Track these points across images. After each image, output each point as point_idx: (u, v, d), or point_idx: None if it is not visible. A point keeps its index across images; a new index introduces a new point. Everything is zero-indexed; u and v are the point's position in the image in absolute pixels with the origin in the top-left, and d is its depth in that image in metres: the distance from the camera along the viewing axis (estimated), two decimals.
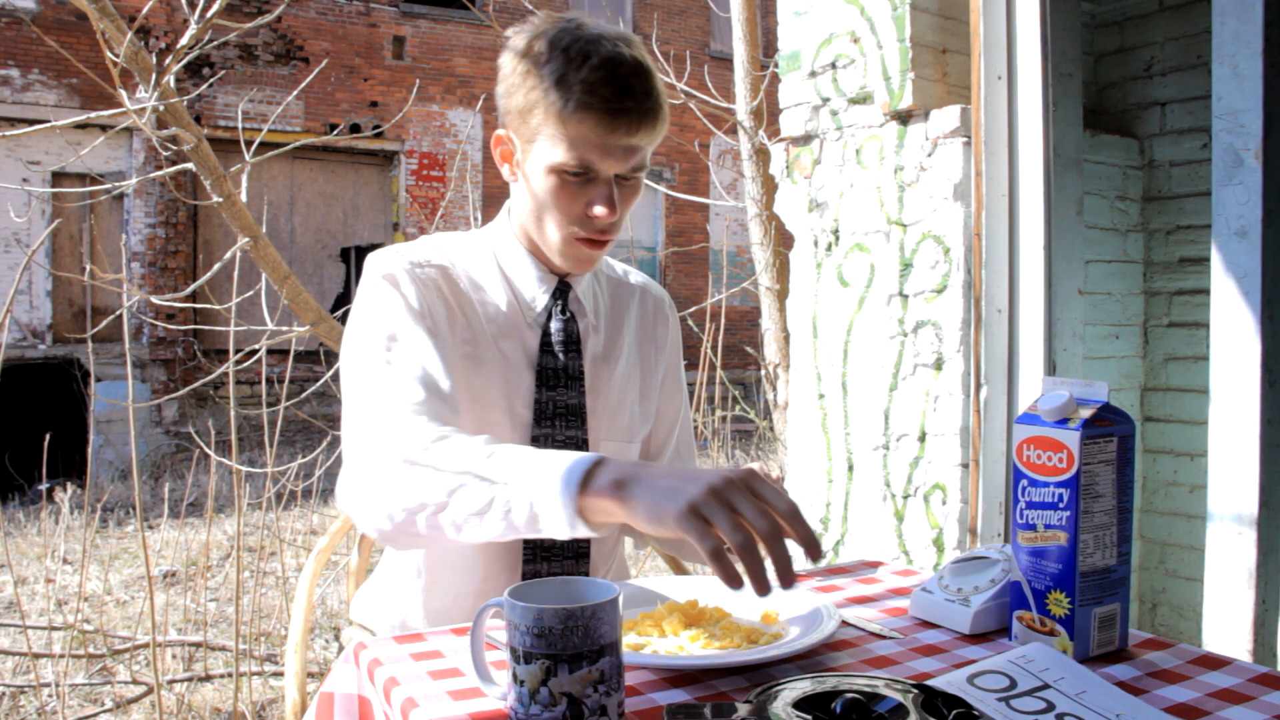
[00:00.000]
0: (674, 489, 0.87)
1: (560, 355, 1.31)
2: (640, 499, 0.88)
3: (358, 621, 1.45)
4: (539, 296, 1.32)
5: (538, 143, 1.20)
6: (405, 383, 1.14)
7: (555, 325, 1.32)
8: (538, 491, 0.94)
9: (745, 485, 0.87)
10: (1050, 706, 0.87)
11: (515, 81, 1.20)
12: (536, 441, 1.29)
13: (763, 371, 4.09)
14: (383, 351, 1.18)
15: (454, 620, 1.29)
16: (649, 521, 0.87)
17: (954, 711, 0.77)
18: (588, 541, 1.33)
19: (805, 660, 1.01)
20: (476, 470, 0.99)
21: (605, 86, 1.14)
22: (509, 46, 1.23)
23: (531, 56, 1.18)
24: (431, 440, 1.05)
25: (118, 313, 3.26)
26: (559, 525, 0.93)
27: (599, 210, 1.20)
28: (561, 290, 1.34)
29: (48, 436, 4.12)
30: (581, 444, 1.32)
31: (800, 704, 0.79)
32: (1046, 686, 0.90)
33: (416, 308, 1.23)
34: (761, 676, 0.96)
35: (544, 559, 1.33)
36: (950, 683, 0.89)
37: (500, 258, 1.34)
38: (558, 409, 1.31)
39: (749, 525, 0.84)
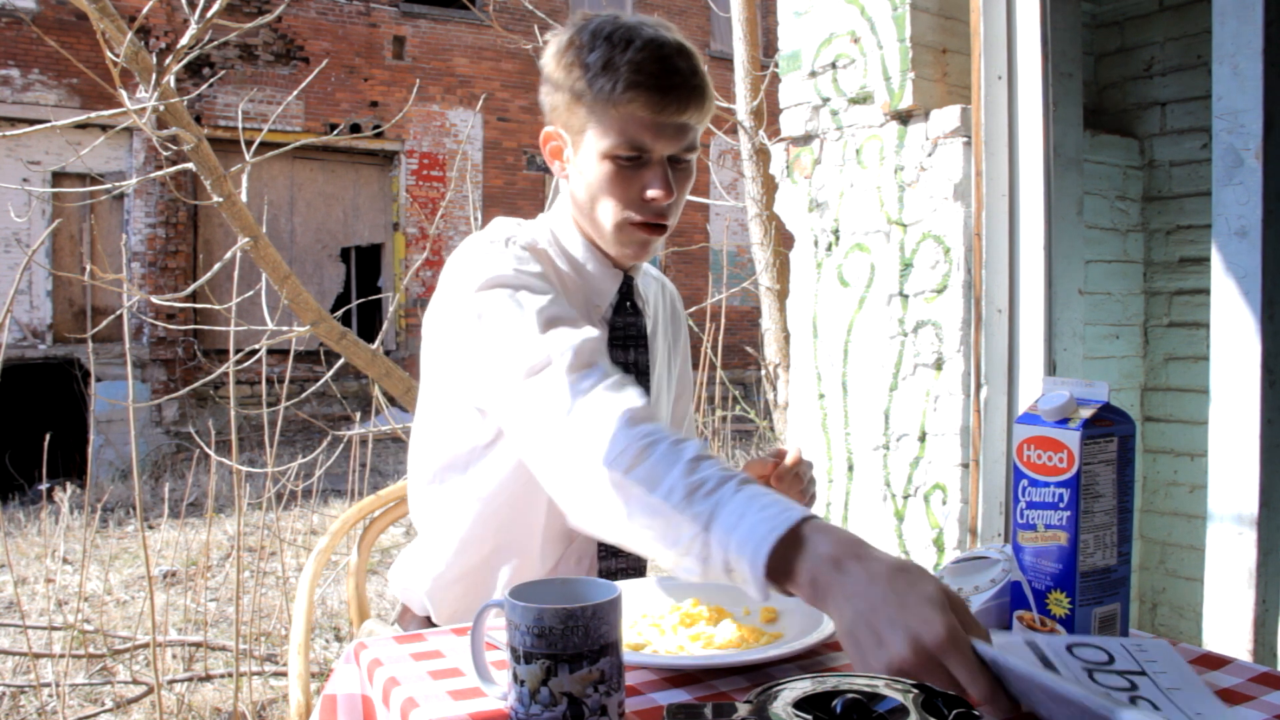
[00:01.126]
0: (874, 629, 0.79)
1: (630, 350, 1.30)
2: (839, 616, 0.82)
3: (396, 593, 1.39)
4: (608, 288, 1.30)
5: (588, 133, 1.19)
6: (571, 364, 1.05)
7: (621, 320, 1.31)
8: (735, 556, 0.88)
9: (949, 654, 0.77)
10: (1132, 687, 0.83)
11: (560, 76, 1.19)
12: None
13: (763, 371, 4.09)
14: (521, 324, 1.09)
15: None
16: (841, 640, 0.81)
17: (954, 711, 0.77)
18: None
19: (805, 660, 1.01)
20: (681, 506, 0.92)
21: (652, 64, 1.14)
22: (549, 48, 1.22)
23: (574, 49, 1.18)
24: (639, 447, 0.96)
25: (118, 313, 3.26)
26: (751, 588, 0.88)
27: (654, 192, 1.19)
28: (626, 283, 1.32)
29: (48, 436, 4.12)
30: None
31: (800, 704, 0.79)
32: (1142, 673, 0.87)
33: (539, 277, 1.16)
34: (761, 676, 0.96)
35: (614, 553, 1.32)
36: (1050, 644, 0.86)
37: (569, 248, 1.30)
38: None
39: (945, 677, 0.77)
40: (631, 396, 1.02)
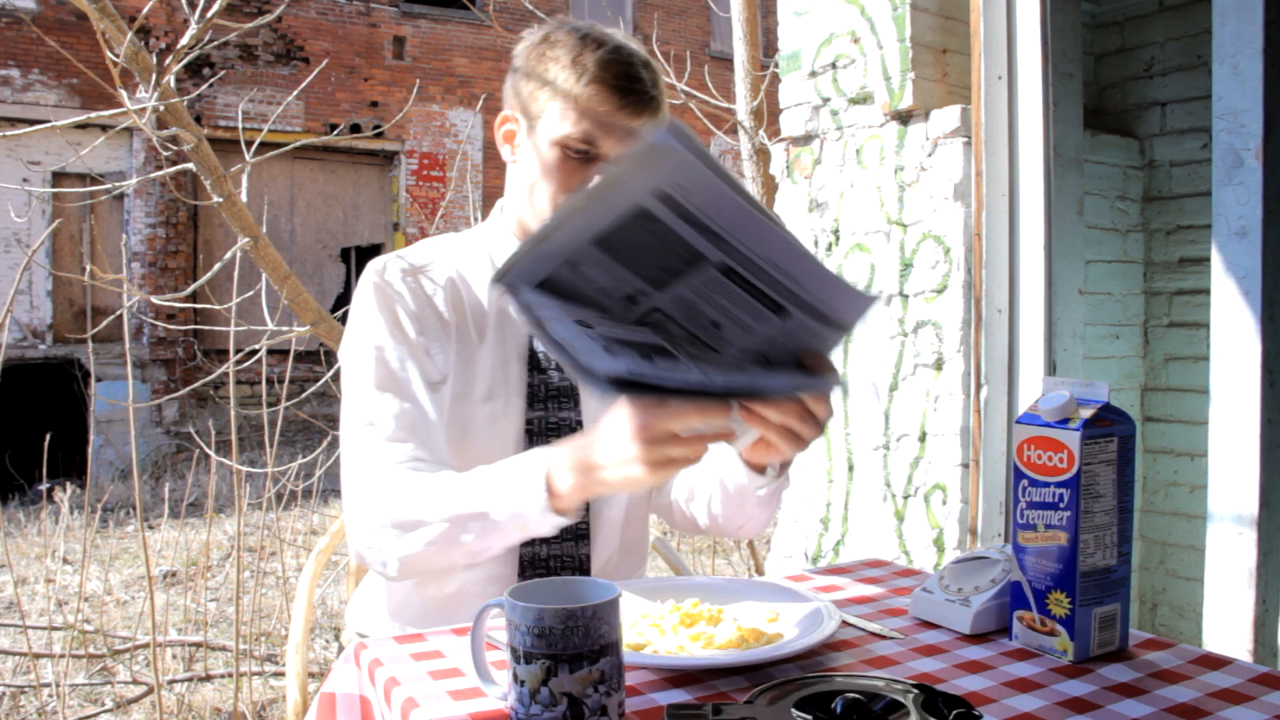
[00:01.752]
0: (621, 461, 0.99)
1: None
2: (607, 482, 1.02)
3: (358, 629, 1.45)
4: None
5: (545, 116, 1.26)
6: (390, 433, 1.23)
7: None
8: (521, 514, 1.09)
9: (651, 413, 0.96)
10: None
11: (531, 62, 1.28)
12: (531, 424, 1.32)
13: None
14: (371, 378, 1.25)
15: (458, 611, 1.31)
16: (627, 492, 1.03)
17: (954, 711, 0.77)
18: (586, 524, 1.36)
19: (805, 660, 1.01)
20: (459, 511, 1.13)
21: (617, 66, 1.23)
22: (523, 43, 1.30)
23: (549, 43, 1.27)
24: (411, 497, 1.17)
25: (118, 313, 3.26)
26: (548, 530, 1.11)
27: None
28: None
29: (48, 436, 4.11)
30: (575, 425, 1.35)
31: (800, 704, 0.79)
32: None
33: (404, 321, 1.28)
34: (761, 676, 0.96)
35: (542, 540, 1.34)
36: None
37: (493, 252, 1.37)
38: (550, 391, 1.35)
39: (691, 438, 0.97)
40: (431, 478, 1.20)
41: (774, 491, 1.26)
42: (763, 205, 0.88)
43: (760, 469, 1.22)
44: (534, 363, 1.34)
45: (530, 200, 1.31)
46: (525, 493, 1.08)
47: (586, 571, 1.36)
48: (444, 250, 1.37)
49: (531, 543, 1.33)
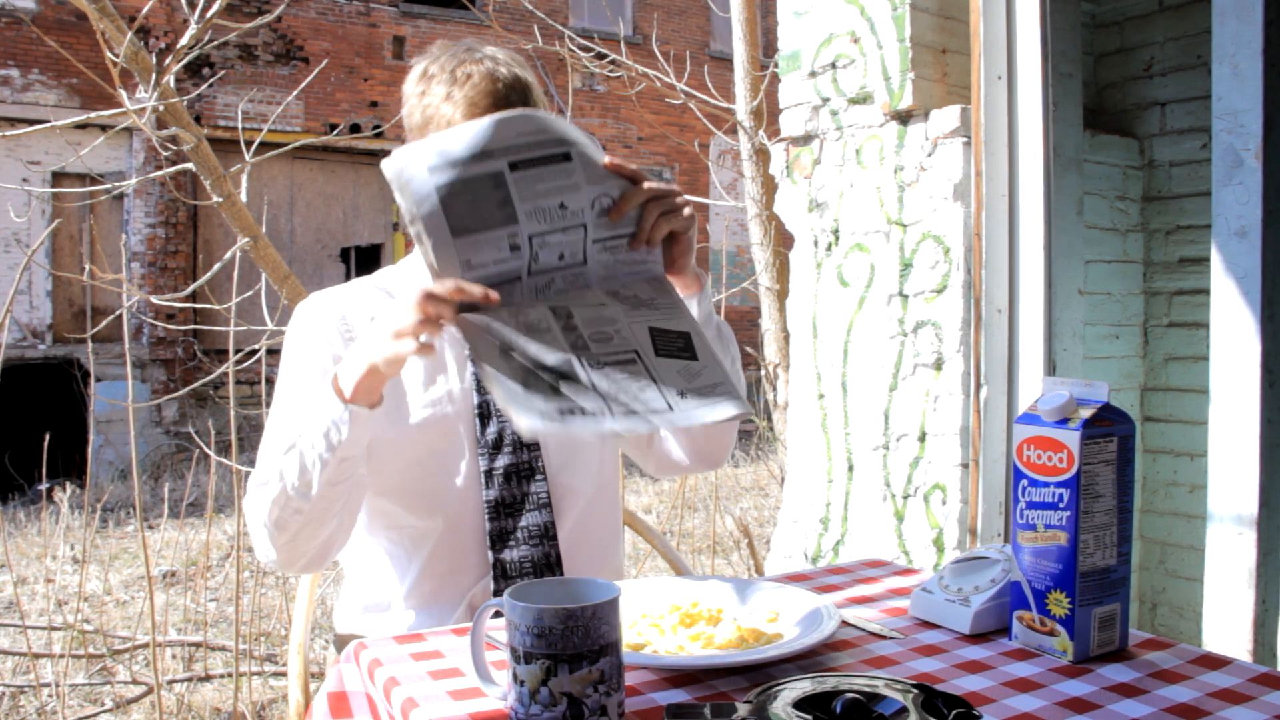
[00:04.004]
0: (390, 340, 1.08)
1: None
2: (370, 359, 1.11)
3: (347, 633, 1.45)
4: None
5: None
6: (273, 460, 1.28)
7: None
8: (322, 423, 1.16)
9: (434, 297, 1.05)
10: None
11: (414, 103, 1.33)
12: (481, 408, 1.37)
13: (763, 371, 4.09)
14: (281, 417, 1.32)
15: (441, 609, 1.34)
16: (393, 374, 1.13)
17: (954, 711, 0.77)
18: (553, 523, 1.38)
19: (805, 660, 1.01)
20: (278, 454, 1.20)
21: (484, 99, 1.27)
22: (410, 73, 1.35)
23: (425, 79, 1.32)
24: (255, 483, 1.26)
25: (118, 313, 3.26)
26: (346, 427, 1.16)
27: None
28: None
29: (48, 436, 4.12)
30: None
31: (800, 704, 0.79)
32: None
33: (318, 361, 1.33)
34: (761, 676, 0.96)
35: (512, 544, 1.37)
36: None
37: (424, 272, 1.40)
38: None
39: (443, 292, 1.05)
40: None
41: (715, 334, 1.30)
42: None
43: (688, 286, 1.24)
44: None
45: None
46: (323, 407, 1.16)
47: (557, 565, 1.37)
48: (372, 288, 1.42)
49: (502, 546, 1.35)
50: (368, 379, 1.13)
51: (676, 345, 1.12)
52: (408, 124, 1.36)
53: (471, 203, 1.06)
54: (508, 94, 1.28)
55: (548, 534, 1.37)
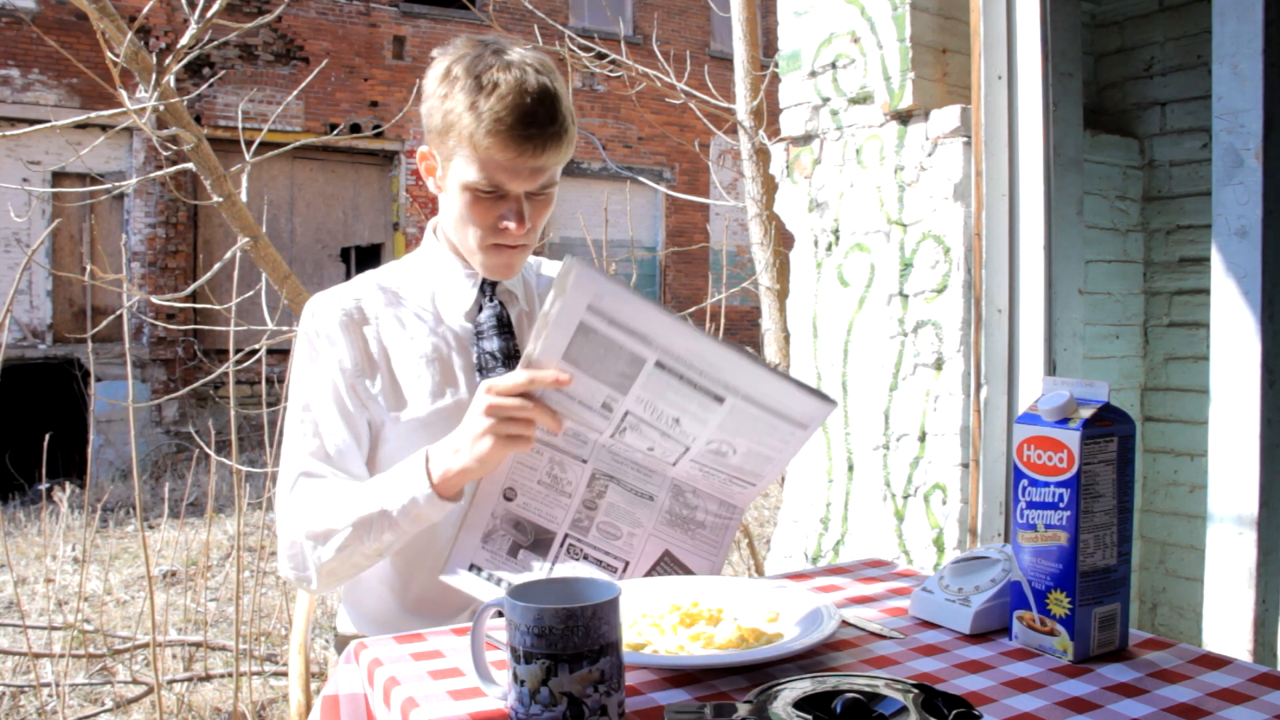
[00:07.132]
0: (472, 437, 1.17)
1: (495, 339, 1.39)
2: (466, 460, 1.17)
3: (347, 634, 1.45)
4: (467, 293, 1.41)
5: (454, 161, 1.31)
6: (305, 466, 1.33)
7: (485, 314, 1.40)
8: (413, 502, 1.21)
9: (497, 394, 1.15)
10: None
11: (435, 104, 1.31)
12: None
13: None
14: (299, 424, 1.35)
15: (443, 616, 1.34)
16: (485, 473, 1.19)
17: (954, 711, 0.77)
18: None
19: (805, 660, 1.01)
20: (362, 514, 1.23)
21: (511, 114, 1.25)
22: (431, 68, 1.32)
23: (449, 81, 1.29)
24: (318, 509, 1.28)
25: (118, 313, 3.26)
26: (438, 515, 1.23)
27: (508, 225, 1.32)
28: (490, 284, 1.42)
29: (48, 436, 4.11)
30: None
31: (800, 704, 0.79)
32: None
33: (331, 362, 1.35)
34: (761, 676, 0.96)
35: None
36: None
37: (429, 272, 1.44)
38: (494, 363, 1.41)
39: (527, 415, 1.15)
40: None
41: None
42: (681, 316, 1.14)
43: None
44: (482, 363, 1.39)
45: (462, 236, 1.37)
46: (412, 483, 1.21)
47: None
48: (379, 283, 1.42)
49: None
50: (459, 478, 1.20)
51: (669, 572, 1.23)
52: (426, 124, 1.35)
53: (600, 355, 1.12)
54: (535, 109, 1.25)
55: None
